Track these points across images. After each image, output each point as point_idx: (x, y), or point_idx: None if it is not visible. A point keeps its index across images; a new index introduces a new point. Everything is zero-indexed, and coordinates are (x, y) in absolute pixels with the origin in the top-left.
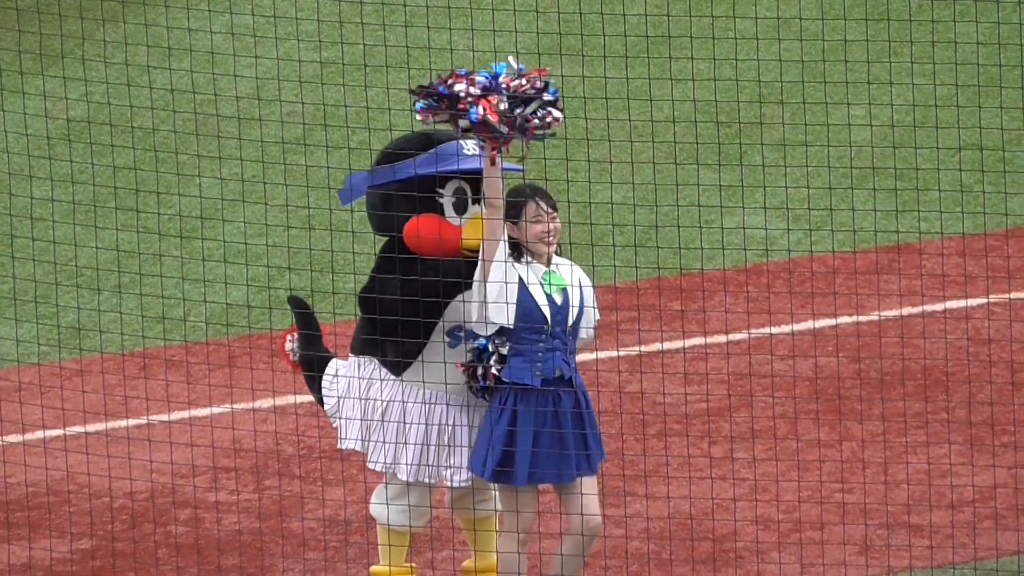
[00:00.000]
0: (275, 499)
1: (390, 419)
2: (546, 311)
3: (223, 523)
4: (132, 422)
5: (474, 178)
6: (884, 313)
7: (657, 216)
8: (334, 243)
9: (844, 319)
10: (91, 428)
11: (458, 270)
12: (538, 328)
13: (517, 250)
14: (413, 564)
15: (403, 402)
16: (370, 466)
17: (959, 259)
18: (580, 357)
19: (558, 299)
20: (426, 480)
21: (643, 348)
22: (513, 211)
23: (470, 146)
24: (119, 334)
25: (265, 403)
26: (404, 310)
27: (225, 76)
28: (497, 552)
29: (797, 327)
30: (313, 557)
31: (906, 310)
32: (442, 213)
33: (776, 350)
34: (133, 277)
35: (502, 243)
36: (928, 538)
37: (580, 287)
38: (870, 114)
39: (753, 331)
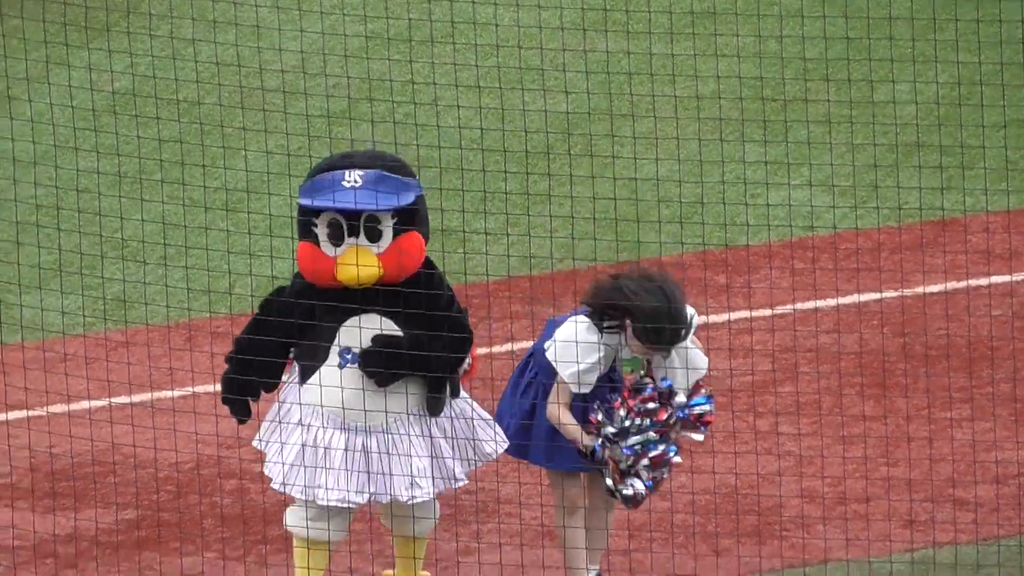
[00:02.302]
0: None
1: (281, 441)
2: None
3: (268, 494)
4: (177, 393)
5: (351, 212)
6: (929, 288)
7: (703, 191)
8: None
9: (889, 294)
10: (136, 399)
11: (345, 296)
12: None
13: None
14: None
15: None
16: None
17: (1004, 235)
18: None
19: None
20: (296, 495)
21: None
22: (626, 314)
23: (353, 178)
24: (164, 306)
25: None
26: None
27: (270, 49)
28: (562, 527)
29: (842, 301)
30: (358, 528)
31: (951, 285)
32: (318, 242)
33: (821, 324)
34: (179, 249)
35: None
36: (973, 512)
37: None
38: (915, 90)
39: (798, 305)
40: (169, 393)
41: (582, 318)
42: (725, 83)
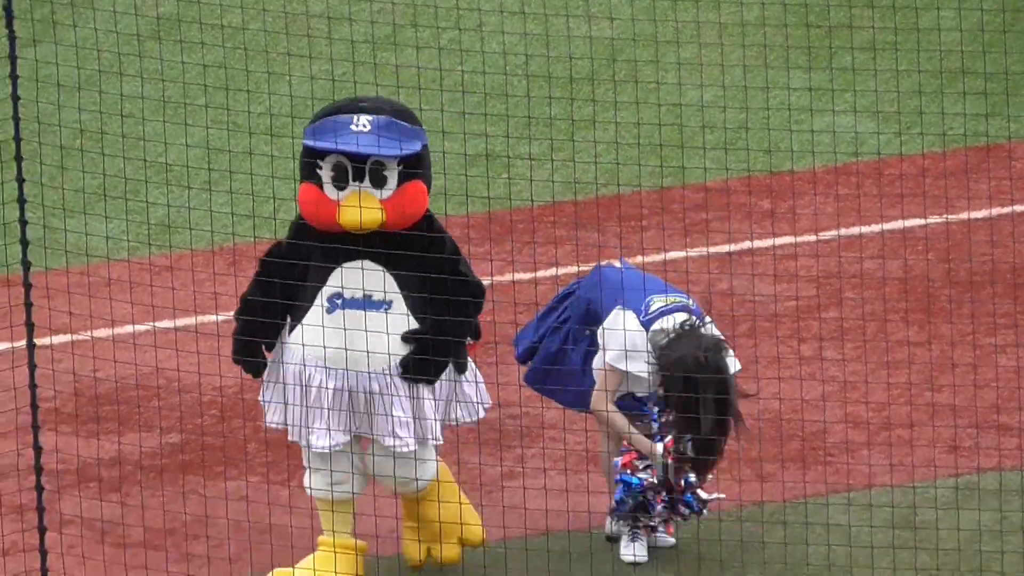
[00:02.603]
0: None
1: (271, 380)
2: None
3: None
4: (221, 317)
5: (357, 155)
6: (974, 214)
7: (747, 116)
8: None
9: (934, 219)
10: (180, 323)
11: (341, 241)
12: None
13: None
14: (359, 541)
15: (281, 363)
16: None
17: None
18: (670, 255)
19: None
20: (297, 439)
21: (733, 247)
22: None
23: (362, 123)
24: (208, 230)
25: None
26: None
27: None
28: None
29: (887, 227)
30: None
31: (996, 211)
32: (321, 185)
33: (866, 250)
34: (223, 173)
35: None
36: (1017, 437)
37: None
38: (960, 16)
39: (843, 231)
40: (213, 317)
41: (630, 315)
42: (770, 9)
